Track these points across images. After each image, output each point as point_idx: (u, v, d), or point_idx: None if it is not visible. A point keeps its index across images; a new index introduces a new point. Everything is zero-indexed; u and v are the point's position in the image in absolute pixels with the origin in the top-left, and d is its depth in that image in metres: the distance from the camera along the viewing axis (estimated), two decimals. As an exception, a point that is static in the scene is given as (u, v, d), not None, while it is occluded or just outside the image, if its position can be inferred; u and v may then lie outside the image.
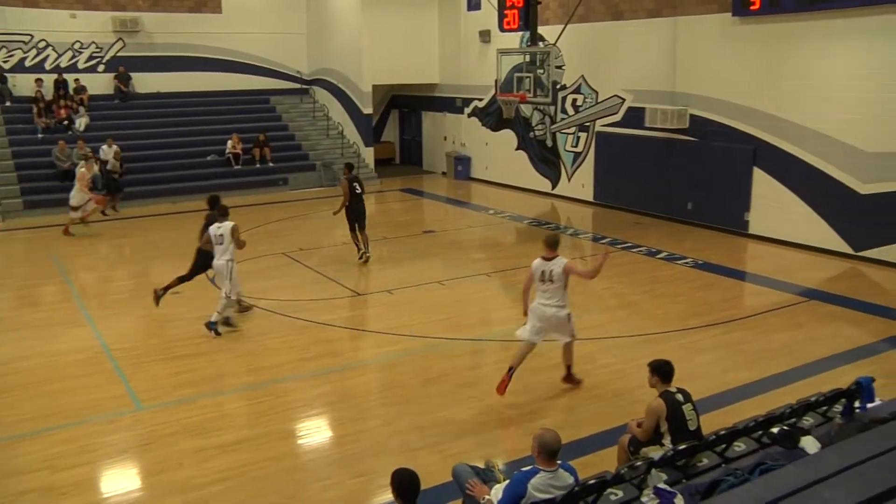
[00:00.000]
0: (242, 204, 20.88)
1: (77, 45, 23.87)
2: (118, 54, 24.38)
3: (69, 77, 23.51)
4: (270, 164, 23.44)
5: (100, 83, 24.10)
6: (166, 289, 11.73)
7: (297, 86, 27.25)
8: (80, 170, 17.84)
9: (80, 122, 22.59)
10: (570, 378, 9.04)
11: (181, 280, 11.78)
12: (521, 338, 8.66)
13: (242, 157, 23.22)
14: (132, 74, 24.50)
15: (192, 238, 16.82)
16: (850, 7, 13.96)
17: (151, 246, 16.55)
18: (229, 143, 23.17)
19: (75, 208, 17.39)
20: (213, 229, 10.83)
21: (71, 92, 23.27)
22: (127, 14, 24.19)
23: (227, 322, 11.13)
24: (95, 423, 8.24)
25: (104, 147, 21.25)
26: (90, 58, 24.12)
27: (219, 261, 10.80)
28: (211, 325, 10.83)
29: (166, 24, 24.83)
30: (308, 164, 24.15)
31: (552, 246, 8.56)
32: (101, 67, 24.27)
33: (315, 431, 8.24)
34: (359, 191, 14.48)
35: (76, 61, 23.93)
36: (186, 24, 25.12)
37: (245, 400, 8.76)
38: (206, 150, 23.25)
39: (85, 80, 23.72)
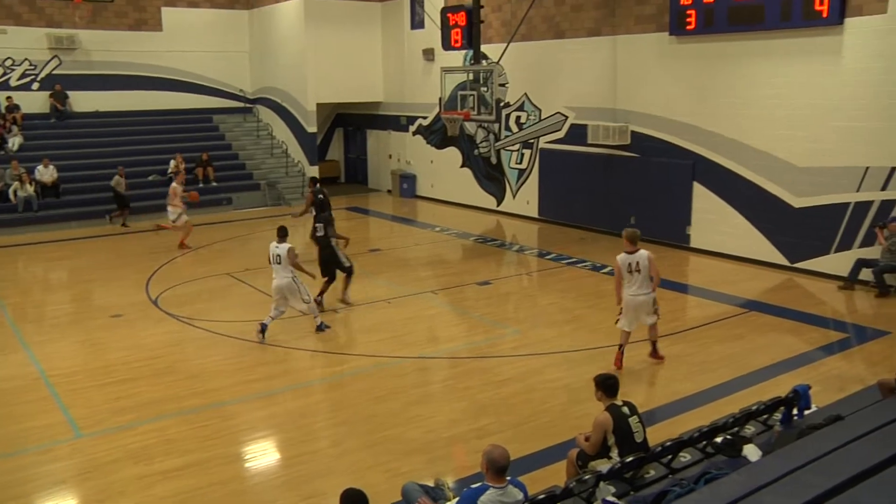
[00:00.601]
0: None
1: (8, 62, 23.25)
2: (54, 72, 23.83)
3: (0, 95, 22.87)
4: (214, 184, 23.13)
5: (34, 101, 23.50)
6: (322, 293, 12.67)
7: (241, 105, 26.99)
8: (173, 185, 17.73)
9: (14, 142, 21.97)
10: (655, 353, 10.17)
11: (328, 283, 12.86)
12: (622, 328, 9.93)
13: (186, 176, 22.81)
14: (69, 93, 23.96)
15: (133, 259, 16.57)
16: (776, 29, 14.45)
17: (90, 268, 16.14)
18: (172, 162, 22.78)
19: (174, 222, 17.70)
20: (272, 248, 11.31)
21: (3, 110, 22.62)
22: (62, 31, 23.66)
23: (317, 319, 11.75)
24: (31, 453, 7.96)
25: (40, 167, 20.72)
26: (23, 75, 23.50)
27: (282, 280, 11.19)
28: (321, 327, 11.65)
29: (105, 42, 24.37)
30: (252, 184, 23.90)
31: (634, 240, 9.67)
32: (35, 85, 23.68)
33: (262, 454, 8.11)
34: (321, 197, 14.95)
35: (8, 78, 23.28)
36: (126, 42, 24.71)
37: (189, 424, 8.58)
38: (147, 170, 22.82)
39: (18, 98, 23.11)
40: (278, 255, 11.25)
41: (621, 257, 9.73)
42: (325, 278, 12.82)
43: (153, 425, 8.54)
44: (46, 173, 20.76)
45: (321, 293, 12.74)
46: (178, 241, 17.66)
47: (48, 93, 23.66)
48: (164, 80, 25.53)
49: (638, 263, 9.62)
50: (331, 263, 12.82)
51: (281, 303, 11.38)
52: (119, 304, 13.29)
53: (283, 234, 11.44)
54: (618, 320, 10.00)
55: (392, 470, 7.44)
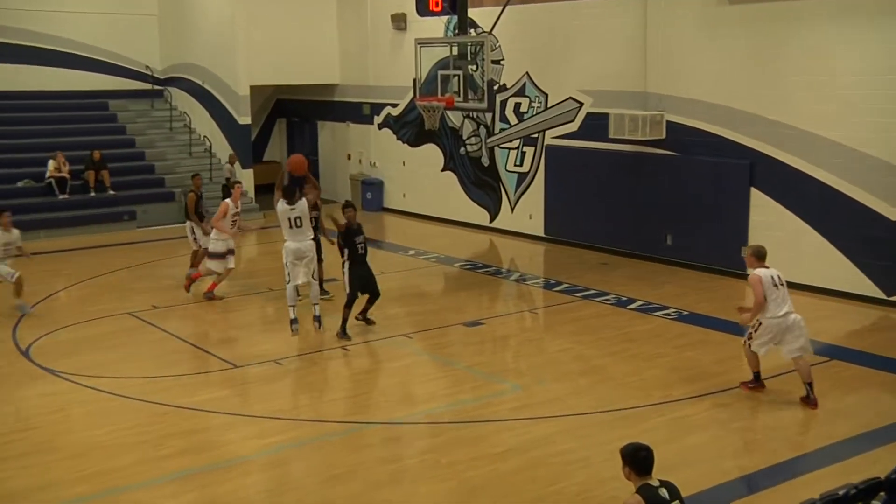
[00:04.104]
0: (70, 247, 20.37)
1: None
2: None
3: None
4: (111, 193, 23.03)
5: None
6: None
7: (147, 86, 26.98)
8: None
9: None
10: (810, 399, 10.79)
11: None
12: (757, 351, 11.04)
13: (70, 182, 22.71)
14: None
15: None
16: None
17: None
18: (51, 163, 22.63)
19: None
20: (285, 210, 13.05)
21: None
22: None
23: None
24: None
25: None
26: None
27: (304, 242, 13.22)
28: (319, 319, 13.48)
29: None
30: (163, 193, 23.80)
31: (763, 257, 11.04)
32: None
33: (174, 557, 7.97)
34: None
35: None
36: (-13, 0, 24.63)
37: (75, 518, 8.44)
38: (16, 173, 22.67)
39: None
40: (298, 218, 13.06)
41: (762, 271, 10.80)
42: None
43: (26, 519, 8.39)
44: None
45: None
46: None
47: None
48: (41, 52, 25.45)
49: (780, 276, 10.87)
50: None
51: (297, 271, 13.19)
52: (-25, 354, 13.11)
53: (293, 192, 13.10)
54: (748, 343, 11.07)
55: (352, 576, 7.33)
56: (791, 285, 15.62)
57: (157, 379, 11.95)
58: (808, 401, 10.73)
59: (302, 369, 12.49)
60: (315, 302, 13.54)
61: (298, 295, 13.62)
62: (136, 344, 13.70)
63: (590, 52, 19.05)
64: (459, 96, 17.60)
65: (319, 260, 14.78)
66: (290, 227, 13.15)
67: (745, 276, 16.52)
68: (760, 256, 10.99)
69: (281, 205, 13.12)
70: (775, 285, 10.75)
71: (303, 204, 13.20)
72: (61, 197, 22.54)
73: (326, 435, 10.24)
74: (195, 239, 16.90)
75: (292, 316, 13.31)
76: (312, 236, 13.49)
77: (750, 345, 11.01)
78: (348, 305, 13.61)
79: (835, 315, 14.63)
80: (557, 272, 17.90)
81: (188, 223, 17.16)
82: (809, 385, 10.74)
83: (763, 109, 16.27)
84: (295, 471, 9.39)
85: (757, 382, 11.21)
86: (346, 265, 13.69)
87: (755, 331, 10.90)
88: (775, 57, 15.99)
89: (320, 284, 14.39)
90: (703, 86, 17.14)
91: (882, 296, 15.06)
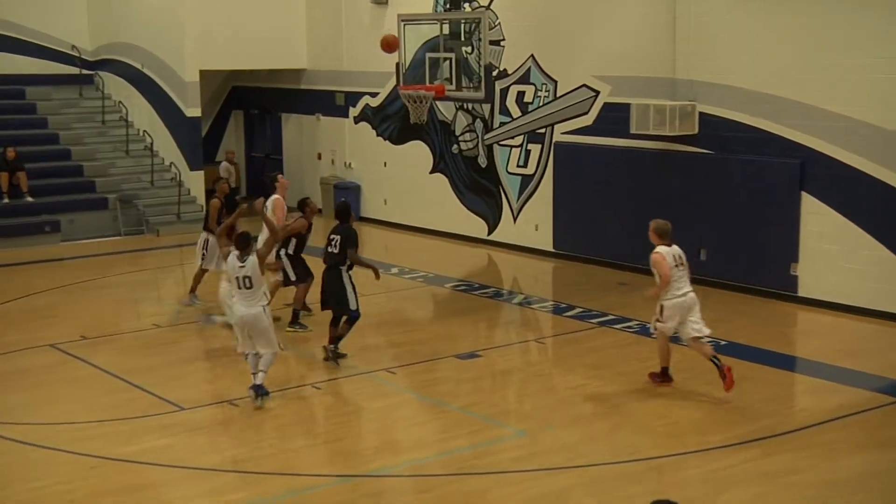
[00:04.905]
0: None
1: None
2: None
3: None
4: (28, 199, 23.02)
5: None
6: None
7: (74, 70, 26.95)
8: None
9: None
10: (722, 372, 12.31)
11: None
12: (662, 334, 12.69)
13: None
14: None
15: None
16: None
17: None
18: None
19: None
20: (234, 267, 12.39)
21: None
22: None
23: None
24: None
25: None
26: None
27: (250, 309, 12.36)
28: (260, 391, 12.40)
29: None
30: (94, 199, 23.83)
31: (666, 235, 12.47)
32: None
33: None
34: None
35: None
36: None
37: None
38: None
39: None
40: (247, 278, 12.29)
41: (664, 249, 12.35)
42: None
43: None
44: None
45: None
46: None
47: None
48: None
49: (681, 256, 12.43)
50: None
51: (248, 344, 12.44)
52: None
53: (246, 243, 12.42)
54: (655, 328, 12.70)
55: None
56: (849, 308, 15.92)
57: (86, 425, 11.89)
58: (722, 375, 12.26)
59: (263, 412, 12.39)
60: (263, 370, 12.40)
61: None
62: (61, 383, 13.67)
63: (607, 31, 19.10)
64: (451, 84, 17.63)
65: (310, 276, 15.53)
66: (239, 287, 12.48)
67: (796, 298, 16.68)
68: (662, 234, 12.49)
69: (231, 259, 12.52)
70: (676, 265, 12.31)
71: (253, 261, 12.42)
72: (-31, 205, 22.56)
73: (292, 491, 10.19)
74: (204, 255, 16.90)
75: (256, 382, 12.35)
76: (265, 303, 12.60)
77: (659, 329, 12.61)
78: (351, 322, 14.01)
79: (904, 345, 14.67)
80: (568, 294, 17.95)
81: (203, 234, 17.08)
82: (716, 358, 12.42)
83: (816, 98, 16.28)
84: (254, 535, 9.35)
85: (664, 377, 12.77)
86: (350, 276, 14.08)
87: (661, 315, 12.47)
88: (830, 36, 16.01)
89: (295, 315, 15.46)
90: (744, 70, 17.16)
91: (963, 321, 15.13)
